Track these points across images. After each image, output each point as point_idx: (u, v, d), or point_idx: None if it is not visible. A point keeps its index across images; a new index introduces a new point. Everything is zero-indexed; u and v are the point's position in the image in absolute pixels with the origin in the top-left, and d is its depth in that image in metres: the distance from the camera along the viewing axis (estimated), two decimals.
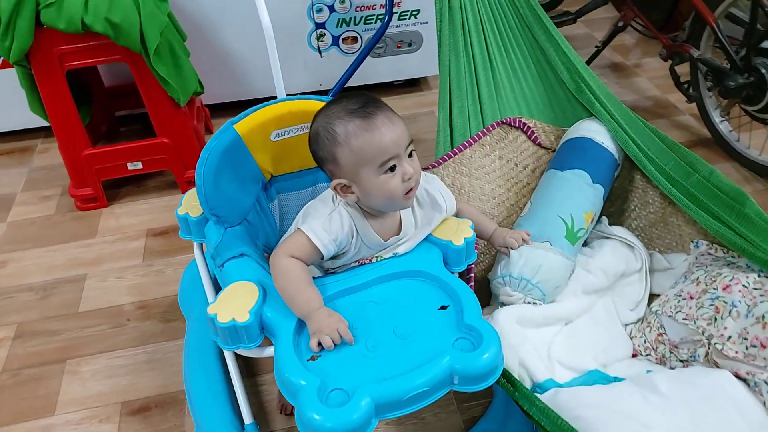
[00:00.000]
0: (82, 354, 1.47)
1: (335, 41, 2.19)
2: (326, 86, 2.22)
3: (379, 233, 1.05)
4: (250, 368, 1.41)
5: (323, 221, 1.01)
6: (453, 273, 1.11)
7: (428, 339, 0.95)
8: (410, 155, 0.99)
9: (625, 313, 1.26)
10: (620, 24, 2.30)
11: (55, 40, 1.59)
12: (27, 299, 1.62)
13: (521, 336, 1.07)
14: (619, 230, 1.35)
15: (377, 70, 2.30)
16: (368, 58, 2.24)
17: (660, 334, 1.18)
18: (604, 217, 1.39)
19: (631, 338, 1.23)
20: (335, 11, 2.12)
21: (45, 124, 1.86)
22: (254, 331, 0.97)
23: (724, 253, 1.24)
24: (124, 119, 2.25)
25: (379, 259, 1.08)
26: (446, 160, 1.35)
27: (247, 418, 1.18)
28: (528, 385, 1.04)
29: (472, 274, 1.16)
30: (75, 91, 1.86)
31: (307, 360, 0.93)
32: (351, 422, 0.83)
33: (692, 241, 1.30)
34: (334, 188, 1.01)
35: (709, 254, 1.26)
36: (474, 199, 1.36)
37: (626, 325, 1.26)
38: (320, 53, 2.16)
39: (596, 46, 2.39)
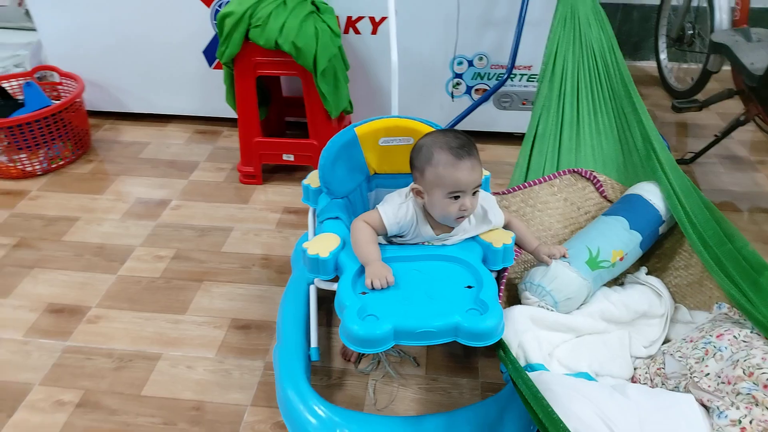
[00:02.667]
0: (216, 280, 1.95)
1: (468, 90, 2.57)
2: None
3: (434, 229, 1.38)
4: (329, 319, 1.79)
5: (394, 207, 1.37)
6: (489, 270, 1.41)
7: (448, 302, 1.25)
8: (474, 193, 1.30)
9: (639, 348, 1.44)
10: (742, 118, 2.40)
11: (254, 52, 2.15)
12: (188, 235, 2.16)
13: (526, 325, 1.33)
14: (653, 280, 1.54)
15: (502, 120, 2.64)
16: (495, 109, 2.60)
17: (659, 368, 1.36)
18: (643, 267, 1.58)
19: (635, 369, 1.41)
20: (473, 66, 2.50)
21: (232, 116, 2.45)
22: (330, 266, 1.34)
23: (739, 316, 1.39)
24: (293, 125, 2.81)
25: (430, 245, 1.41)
26: (515, 191, 1.65)
27: (314, 342, 1.55)
28: (522, 363, 1.29)
29: (506, 274, 1.44)
30: (260, 94, 2.44)
31: (360, 293, 1.29)
32: (374, 335, 1.15)
33: (717, 304, 1.46)
34: (412, 189, 1.36)
35: (727, 315, 1.41)
36: (532, 227, 1.63)
37: (636, 358, 1.44)
38: (452, 98, 2.56)
39: (715, 135, 2.50)
